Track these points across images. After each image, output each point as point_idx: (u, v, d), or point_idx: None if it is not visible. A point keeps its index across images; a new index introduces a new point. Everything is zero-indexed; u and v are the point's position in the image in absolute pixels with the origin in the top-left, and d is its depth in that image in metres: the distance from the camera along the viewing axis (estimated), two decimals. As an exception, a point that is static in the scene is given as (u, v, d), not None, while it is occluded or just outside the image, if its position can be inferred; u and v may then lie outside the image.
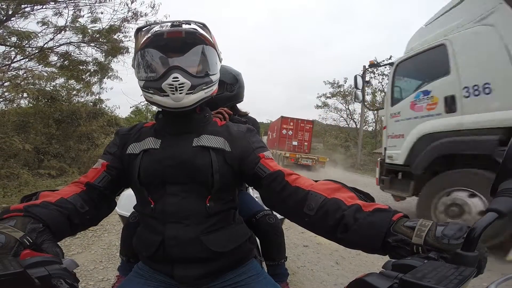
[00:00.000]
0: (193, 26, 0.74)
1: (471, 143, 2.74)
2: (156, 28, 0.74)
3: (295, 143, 13.62)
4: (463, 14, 3.03)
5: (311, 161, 12.34)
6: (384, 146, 4.03)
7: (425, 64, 3.40)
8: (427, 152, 3.12)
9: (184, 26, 0.73)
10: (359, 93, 4.44)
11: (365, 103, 4.71)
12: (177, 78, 0.65)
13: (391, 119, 3.86)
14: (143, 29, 0.74)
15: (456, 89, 2.93)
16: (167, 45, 0.70)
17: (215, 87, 0.76)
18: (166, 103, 0.68)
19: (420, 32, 3.71)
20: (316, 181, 0.64)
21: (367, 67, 4.48)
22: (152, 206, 0.70)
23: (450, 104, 2.98)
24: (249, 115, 1.50)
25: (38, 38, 5.68)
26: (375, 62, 4.43)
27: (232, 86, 1.44)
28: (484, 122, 2.66)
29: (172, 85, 0.65)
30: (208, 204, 0.70)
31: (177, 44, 0.70)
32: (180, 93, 0.66)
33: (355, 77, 4.35)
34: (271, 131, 15.80)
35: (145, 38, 0.71)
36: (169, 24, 0.74)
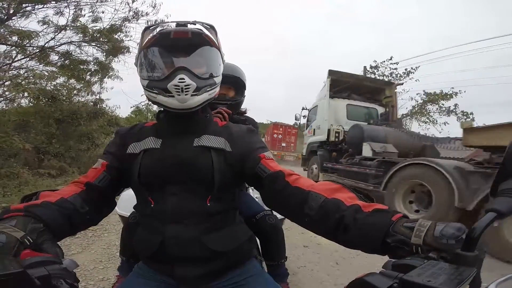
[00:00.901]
0: (198, 26, 0.73)
1: (314, 146, 7.29)
2: (164, 27, 0.74)
3: (284, 144, 18.56)
4: (323, 92, 6.94)
5: (292, 157, 16.95)
6: (303, 148, 8.35)
7: (313, 113, 7.51)
8: (308, 149, 7.78)
9: (189, 26, 0.72)
10: (297, 122, 8.57)
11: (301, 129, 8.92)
12: (183, 79, 0.65)
13: (305, 136, 8.34)
14: (151, 28, 0.74)
15: (315, 126, 7.23)
16: (173, 45, 0.70)
17: (217, 89, 0.76)
18: (171, 104, 0.68)
19: (318, 94, 7.59)
20: (316, 181, 0.64)
21: (302, 109, 8.12)
22: (152, 206, 0.70)
23: (314, 132, 7.36)
24: (248, 115, 1.49)
25: (39, 38, 5.68)
26: (305, 108, 8.17)
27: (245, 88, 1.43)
28: (316, 139, 7.11)
29: (178, 86, 0.65)
30: (208, 204, 0.70)
31: (183, 45, 0.70)
32: (186, 95, 0.66)
33: (295, 115, 8.25)
34: (267, 135, 19.93)
35: (150, 37, 0.71)
36: (175, 24, 0.73)
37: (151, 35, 0.72)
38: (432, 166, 3.34)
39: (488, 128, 3.25)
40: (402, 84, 7.08)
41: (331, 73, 6.60)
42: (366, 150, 5.00)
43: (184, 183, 0.70)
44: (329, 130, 6.40)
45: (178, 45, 0.70)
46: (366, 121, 6.46)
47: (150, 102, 0.77)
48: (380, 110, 6.88)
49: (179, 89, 0.65)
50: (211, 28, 0.74)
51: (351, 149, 5.57)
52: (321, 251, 2.81)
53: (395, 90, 6.94)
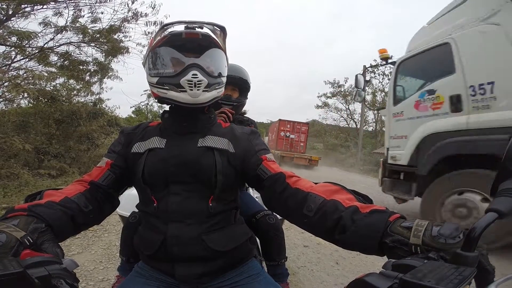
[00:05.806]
0: (206, 30, 0.76)
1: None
2: (174, 28, 0.76)
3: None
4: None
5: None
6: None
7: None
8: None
9: (197, 29, 0.75)
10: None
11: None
12: (196, 75, 0.68)
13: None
14: (164, 27, 0.76)
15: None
16: (184, 45, 0.72)
17: (223, 89, 0.79)
18: (183, 99, 0.70)
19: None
20: (316, 183, 0.65)
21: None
22: (155, 205, 0.71)
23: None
24: (248, 115, 1.50)
25: (38, 38, 5.68)
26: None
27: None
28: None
29: (191, 81, 0.67)
30: (210, 204, 0.70)
31: (193, 45, 0.72)
32: (198, 90, 0.68)
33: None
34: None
35: (161, 37, 0.73)
36: (184, 26, 0.76)
37: (162, 35, 0.74)
38: None
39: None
40: None
41: None
42: None
43: (187, 183, 0.70)
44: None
45: (189, 45, 0.73)
46: None
47: (156, 101, 0.79)
48: None
49: (192, 84, 0.67)
50: (221, 30, 0.77)
51: None
52: (321, 251, 2.81)
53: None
